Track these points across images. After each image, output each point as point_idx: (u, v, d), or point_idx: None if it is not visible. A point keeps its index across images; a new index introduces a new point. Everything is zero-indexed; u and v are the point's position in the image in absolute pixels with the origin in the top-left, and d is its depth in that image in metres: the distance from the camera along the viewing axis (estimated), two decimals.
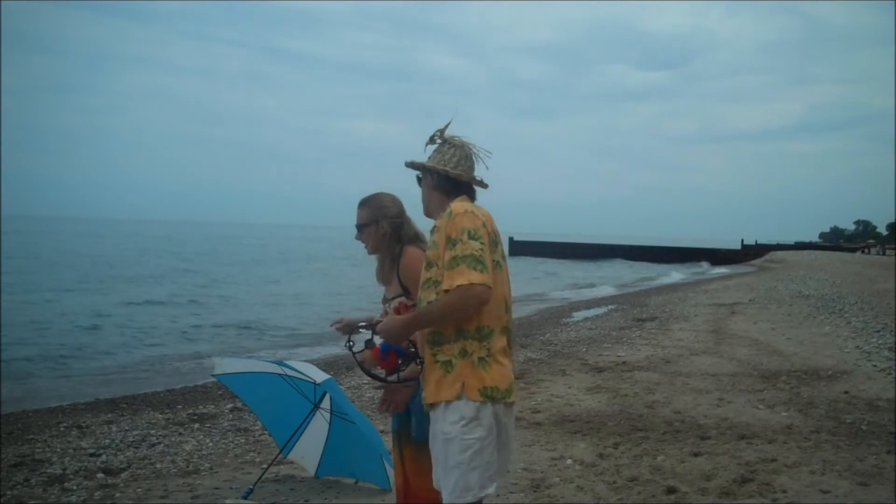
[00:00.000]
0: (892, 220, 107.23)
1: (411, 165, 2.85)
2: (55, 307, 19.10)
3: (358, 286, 26.07)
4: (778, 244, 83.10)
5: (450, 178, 2.73)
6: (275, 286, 28.54)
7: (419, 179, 2.85)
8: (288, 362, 4.66)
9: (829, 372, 8.60)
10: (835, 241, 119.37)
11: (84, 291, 23.57)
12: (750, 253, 66.62)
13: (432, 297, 2.58)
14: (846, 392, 7.47)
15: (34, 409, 8.15)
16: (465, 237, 2.51)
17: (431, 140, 2.81)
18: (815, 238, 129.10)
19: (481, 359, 2.55)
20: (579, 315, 17.51)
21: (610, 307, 19.33)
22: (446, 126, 2.80)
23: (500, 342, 2.61)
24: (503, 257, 2.69)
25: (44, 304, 19.59)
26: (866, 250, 74.97)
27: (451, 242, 2.52)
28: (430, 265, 2.63)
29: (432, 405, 2.60)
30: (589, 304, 21.30)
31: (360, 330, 2.91)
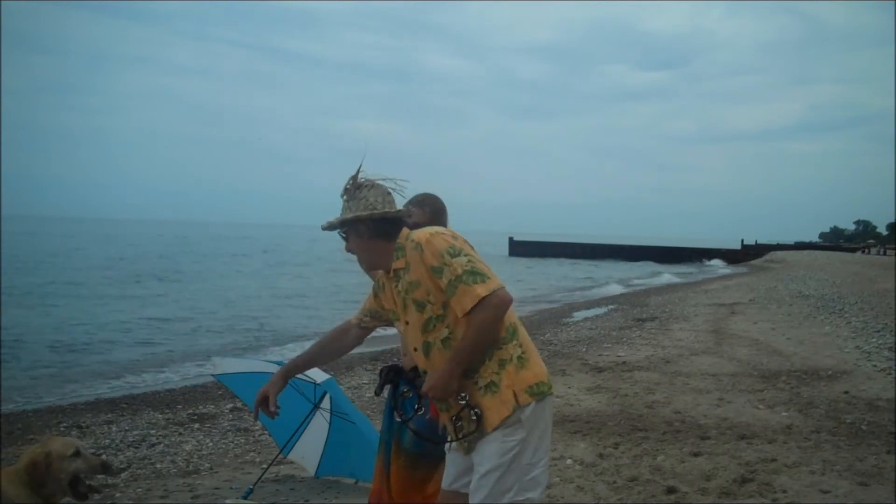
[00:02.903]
0: (892, 220, 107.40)
1: (334, 226, 2.56)
2: (54, 307, 19.09)
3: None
4: (778, 244, 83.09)
5: (386, 219, 2.51)
6: (275, 285, 28.53)
7: (345, 237, 2.58)
8: None
9: (829, 372, 8.60)
10: (835, 241, 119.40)
11: (84, 291, 23.55)
12: (750, 253, 66.63)
13: (444, 332, 2.45)
14: (846, 392, 7.47)
15: (34, 409, 8.16)
16: (447, 258, 2.38)
17: (346, 191, 2.57)
18: (815, 238, 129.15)
19: (519, 357, 2.45)
20: (579, 315, 17.52)
21: (610, 307, 19.33)
22: (357, 172, 2.57)
23: (524, 333, 2.53)
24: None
25: (44, 304, 19.58)
26: (866, 250, 74.99)
27: (437, 272, 2.39)
28: (421, 306, 2.46)
29: (496, 429, 2.41)
30: (589, 304, 21.31)
31: (403, 397, 2.69)
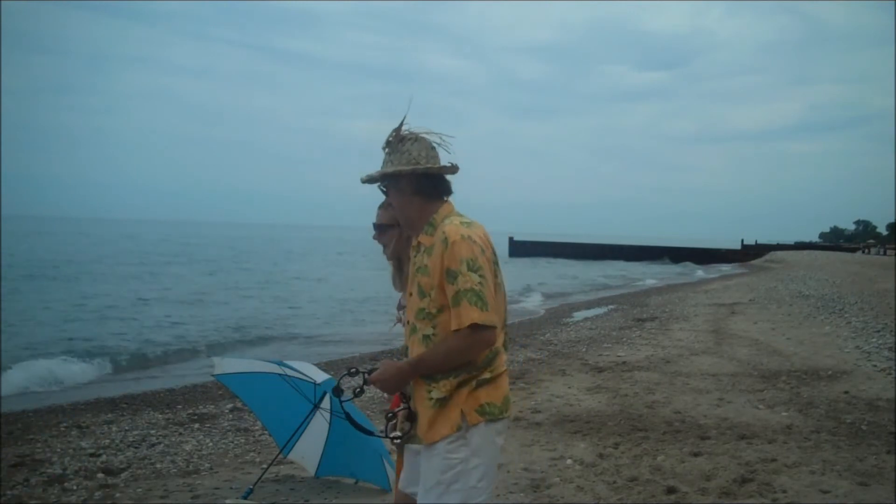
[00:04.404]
0: (892, 220, 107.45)
1: (375, 179, 2.49)
2: (55, 306, 19.08)
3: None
4: (778, 244, 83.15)
5: (429, 175, 2.42)
6: (275, 285, 28.52)
7: (385, 191, 2.55)
8: (288, 362, 4.66)
9: (829, 372, 8.61)
10: (835, 241, 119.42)
11: (85, 290, 23.54)
12: (750, 253, 66.63)
13: (428, 329, 2.40)
14: (846, 392, 7.47)
15: (34, 408, 8.14)
16: (464, 268, 2.30)
17: (388, 143, 2.47)
18: (815, 238, 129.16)
19: (480, 381, 2.38)
20: (579, 315, 17.51)
21: (610, 307, 19.32)
22: (401, 124, 2.45)
23: (501, 360, 2.45)
24: (500, 272, 2.50)
25: (44, 303, 19.57)
26: (866, 250, 75.01)
27: (451, 276, 2.32)
28: (423, 294, 2.40)
29: (430, 445, 2.39)
30: (589, 304, 21.29)
31: (350, 376, 2.62)
